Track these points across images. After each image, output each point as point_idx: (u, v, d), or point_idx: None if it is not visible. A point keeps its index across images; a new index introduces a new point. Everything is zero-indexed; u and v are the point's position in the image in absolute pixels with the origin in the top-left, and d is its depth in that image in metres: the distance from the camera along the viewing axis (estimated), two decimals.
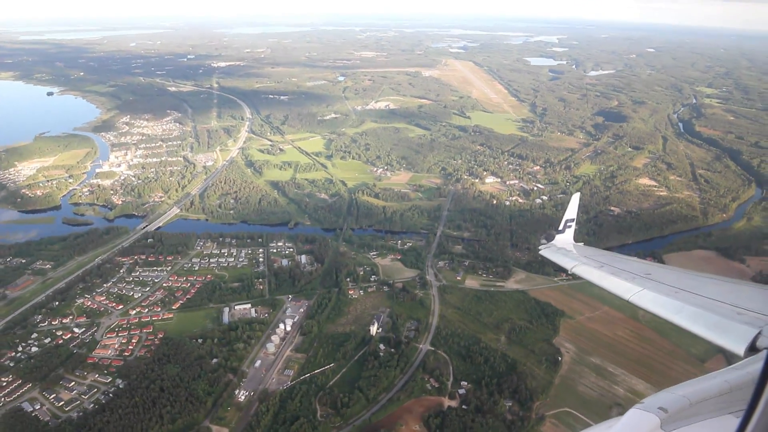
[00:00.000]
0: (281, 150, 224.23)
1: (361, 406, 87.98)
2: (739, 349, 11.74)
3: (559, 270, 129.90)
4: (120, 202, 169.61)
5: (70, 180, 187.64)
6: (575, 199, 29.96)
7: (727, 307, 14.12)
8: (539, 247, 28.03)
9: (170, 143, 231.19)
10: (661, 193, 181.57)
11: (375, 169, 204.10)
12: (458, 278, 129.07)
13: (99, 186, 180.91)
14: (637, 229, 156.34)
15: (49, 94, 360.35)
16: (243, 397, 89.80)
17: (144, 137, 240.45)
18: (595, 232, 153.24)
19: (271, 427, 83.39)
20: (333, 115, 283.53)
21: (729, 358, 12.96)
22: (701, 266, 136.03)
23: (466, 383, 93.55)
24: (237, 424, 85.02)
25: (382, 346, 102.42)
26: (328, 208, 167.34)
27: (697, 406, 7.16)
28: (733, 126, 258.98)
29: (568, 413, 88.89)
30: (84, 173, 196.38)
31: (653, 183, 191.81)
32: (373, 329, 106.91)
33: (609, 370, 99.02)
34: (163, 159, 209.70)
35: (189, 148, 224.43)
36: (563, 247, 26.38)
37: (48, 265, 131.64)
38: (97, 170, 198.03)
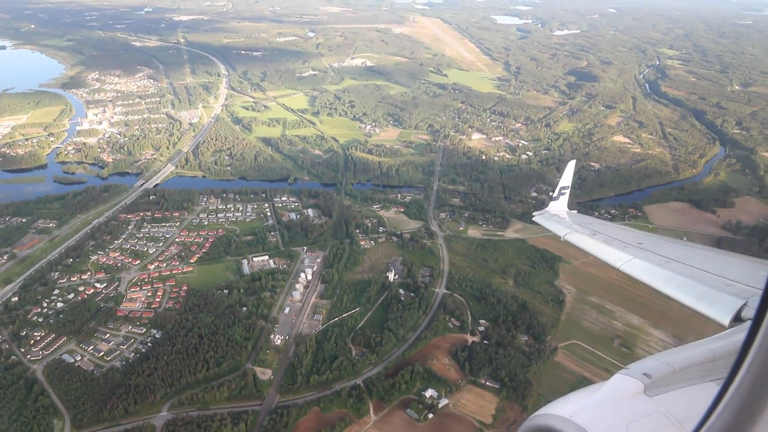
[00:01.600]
0: (266, 107, 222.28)
1: (392, 345, 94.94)
2: (725, 319, 11.86)
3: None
4: (111, 160, 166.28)
5: (52, 138, 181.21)
6: (571, 166, 29.93)
7: (716, 278, 14.21)
8: (533, 214, 27.98)
9: (149, 100, 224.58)
10: (636, 150, 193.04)
11: (363, 125, 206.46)
12: (461, 228, 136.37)
13: (84, 144, 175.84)
14: (617, 183, 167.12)
15: (1, 48, 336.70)
16: (279, 341, 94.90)
17: (119, 94, 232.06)
18: (579, 186, 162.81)
19: (312, 366, 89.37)
20: (311, 72, 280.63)
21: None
22: (677, 217, 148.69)
23: (484, 321, 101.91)
24: (278, 365, 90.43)
25: (402, 291, 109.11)
26: (325, 163, 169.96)
27: (680, 373, 7.23)
28: (695, 87, 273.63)
29: (576, 345, 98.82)
30: (64, 131, 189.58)
31: (627, 140, 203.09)
32: (391, 276, 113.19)
33: (607, 308, 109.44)
34: (145, 116, 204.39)
35: (170, 105, 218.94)
36: (557, 214, 26.34)
37: (51, 224, 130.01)
38: (78, 128, 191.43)
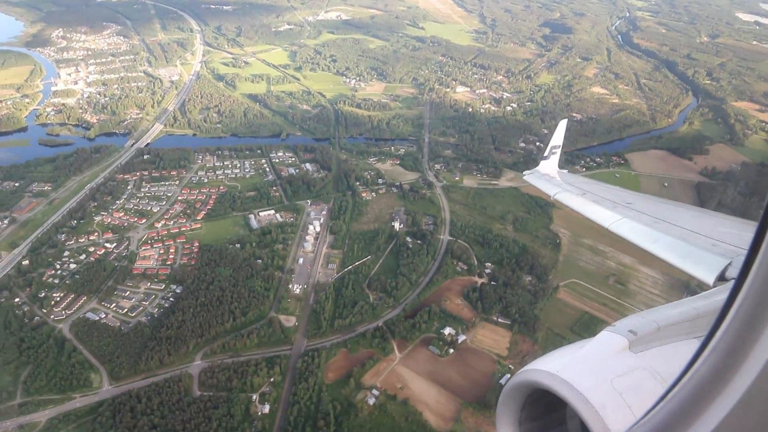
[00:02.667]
0: (246, 63, 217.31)
1: (406, 289, 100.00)
2: (710, 278, 12.02)
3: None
4: (95, 121, 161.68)
5: (27, 100, 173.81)
6: (562, 125, 29.77)
7: (703, 239, 14.34)
8: (523, 173, 28.29)
9: (123, 58, 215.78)
10: (614, 101, 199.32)
11: (348, 80, 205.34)
12: (456, 179, 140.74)
13: (64, 105, 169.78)
14: (599, 132, 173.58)
15: None
16: (298, 290, 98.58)
17: (90, 52, 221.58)
18: (565, 136, 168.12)
19: (334, 311, 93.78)
20: (287, 26, 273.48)
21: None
22: (657, 164, 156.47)
23: (489, 264, 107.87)
24: (301, 313, 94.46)
25: (408, 239, 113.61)
26: (315, 118, 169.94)
27: (665, 330, 7.35)
28: (666, 38, 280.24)
29: (575, 283, 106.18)
30: (38, 92, 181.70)
31: (605, 91, 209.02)
32: (397, 225, 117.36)
33: (600, 249, 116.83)
34: (122, 75, 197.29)
35: (147, 63, 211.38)
36: (547, 174, 26.46)
37: (47, 187, 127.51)
38: (53, 89, 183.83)
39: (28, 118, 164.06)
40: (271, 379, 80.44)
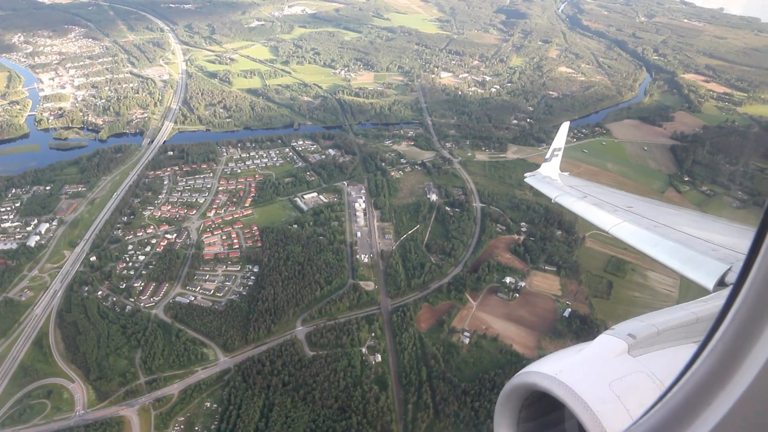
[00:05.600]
0: (231, 59, 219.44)
1: (462, 249, 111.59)
2: (710, 283, 12.00)
3: (542, 142, 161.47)
4: (101, 123, 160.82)
5: (18, 106, 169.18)
6: (564, 128, 29.53)
7: (703, 243, 14.26)
8: (525, 175, 28.02)
9: (101, 60, 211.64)
10: (581, 79, 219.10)
11: (336, 71, 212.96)
12: (469, 154, 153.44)
13: (61, 109, 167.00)
14: (578, 107, 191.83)
15: None
16: (366, 259, 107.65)
17: (63, 56, 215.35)
18: (549, 112, 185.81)
19: (406, 273, 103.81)
20: (257, 23, 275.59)
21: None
22: (633, 132, 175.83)
23: (524, 223, 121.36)
24: (376, 278, 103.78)
25: (447, 208, 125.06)
26: (322, 108, 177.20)
27: (664, 334, 7.31)
28: (610, 19, 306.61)
29: (596, 233, 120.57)
30: (26, 98, 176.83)
31: (571, 70, 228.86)
32: (433, 197, 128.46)
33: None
34: (108, 77, 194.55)
35: (129, 64, 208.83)
36: (548, 176, 26.37)
37: (81, 188, 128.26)
38: (41, 94, 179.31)
39: (27, 124, 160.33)
40: (373, 334, 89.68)
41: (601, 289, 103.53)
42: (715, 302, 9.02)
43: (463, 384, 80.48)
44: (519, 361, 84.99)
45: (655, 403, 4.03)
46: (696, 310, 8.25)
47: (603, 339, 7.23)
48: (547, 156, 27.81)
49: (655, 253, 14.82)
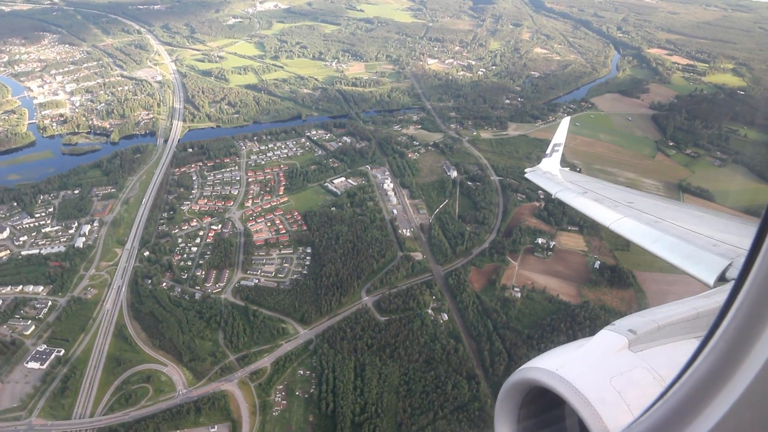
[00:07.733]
0: (220, 57, 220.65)
1: (492, 218, 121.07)
2: (710, 279, 12.00)
3: (538, 119, 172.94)
4: (107, 126, 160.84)
5: (15, 115, 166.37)
6: (565, 123, 29.44)
7: (704, 239, 14.19)
8: (525, 170, 28.06)
9: (87, 65, 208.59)
10: (557, 58, 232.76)
11: (328, 63, 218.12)
12: (474, 134, 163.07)
13: (62, 115, 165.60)
14: (561, 85, 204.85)
15: None
16: (408, 233, 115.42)
17: (44, 63, 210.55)
18: (537, 90, 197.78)
19: (449, 242, 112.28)
20: (234, 20, 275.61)
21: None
22: (615, 104, 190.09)
23: (540, 192, 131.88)
24: (422, 249, 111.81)
25: (469, 183, 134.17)
26: (325, 99, 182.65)
27: (664, 330, 7.29)
28: (571, 0, 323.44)
29: None
30: (21, 107, 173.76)
31: (546, 51, 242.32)
32: (453, 173, 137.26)
33: (609, 170, 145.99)
34: (100, 81, 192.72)
35: (117, 67, 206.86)
36: (548, 172, 26.28)
37: (110, 189, 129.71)
38: (35, 102, 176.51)
39: (32, 132, 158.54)
40: (434, 297, 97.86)
41: (621, 242, 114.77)
42: (715, 298, 9.03)
43: (526, 330, 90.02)
44: (568, 308, 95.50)
45: (657, 400, 4.03)
46: (696, 305, 8.23)
47: (603, 335, 7.21)
48: (548, 151, 27.85)
49: (656, 249, 14.72)
